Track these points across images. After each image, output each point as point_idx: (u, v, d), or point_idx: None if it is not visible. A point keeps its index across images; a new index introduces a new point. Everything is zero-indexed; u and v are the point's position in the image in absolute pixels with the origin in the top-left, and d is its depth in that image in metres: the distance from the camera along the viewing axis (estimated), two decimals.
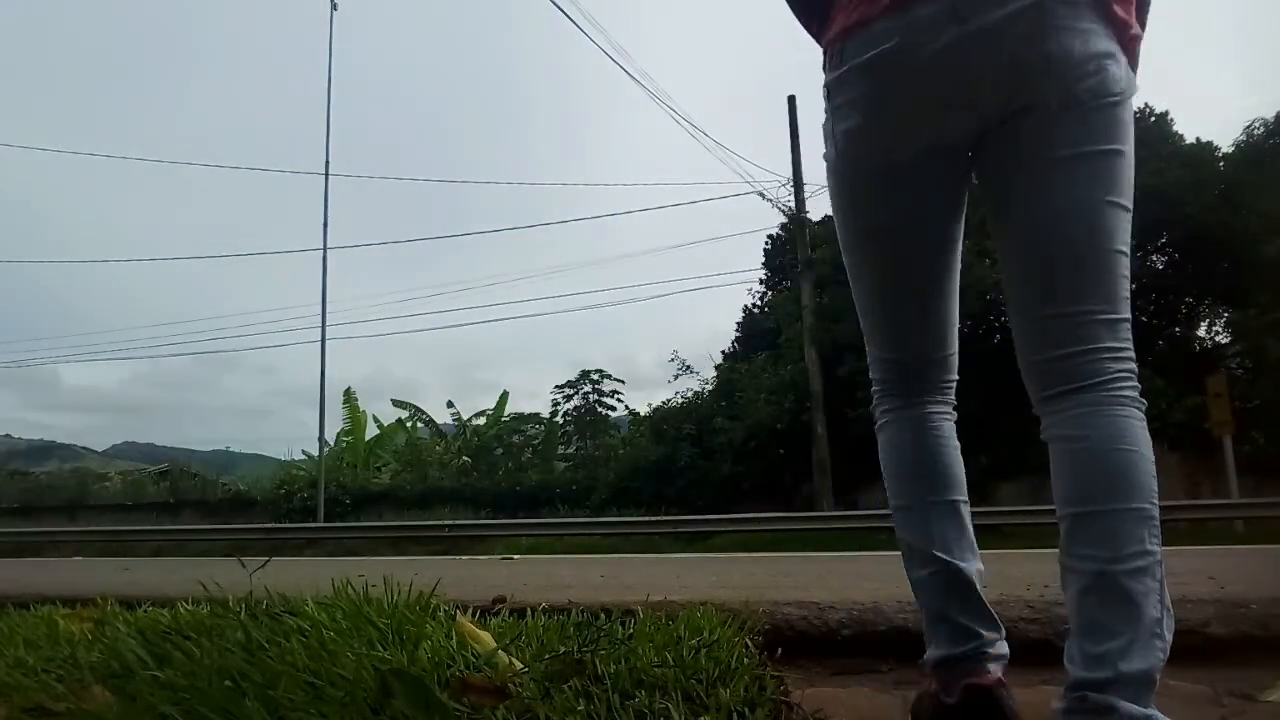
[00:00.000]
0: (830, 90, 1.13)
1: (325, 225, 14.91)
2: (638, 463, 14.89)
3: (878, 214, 1.14)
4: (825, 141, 1.17)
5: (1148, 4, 1.13)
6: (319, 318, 14.75)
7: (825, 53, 1.15)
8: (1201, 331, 14.79)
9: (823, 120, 1.18)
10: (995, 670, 1.14)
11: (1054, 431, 1.04)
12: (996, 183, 1.09)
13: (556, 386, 19.55)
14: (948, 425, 1.24)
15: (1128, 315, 1.05)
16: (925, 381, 1.23)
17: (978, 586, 1.17)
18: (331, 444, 18.67)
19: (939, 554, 1.15)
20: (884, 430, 1.25)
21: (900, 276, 1.18)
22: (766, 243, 18.16)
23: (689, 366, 17.60)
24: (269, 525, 12.76)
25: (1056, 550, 1.05)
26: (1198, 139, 15.03)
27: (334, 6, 15.60)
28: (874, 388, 1.27)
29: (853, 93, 1.08)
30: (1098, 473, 0.98)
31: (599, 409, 19.35)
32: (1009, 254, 1.09)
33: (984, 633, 1.16)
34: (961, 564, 1.16)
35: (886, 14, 1.03)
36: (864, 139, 1.09)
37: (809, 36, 1.24)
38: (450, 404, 20.27)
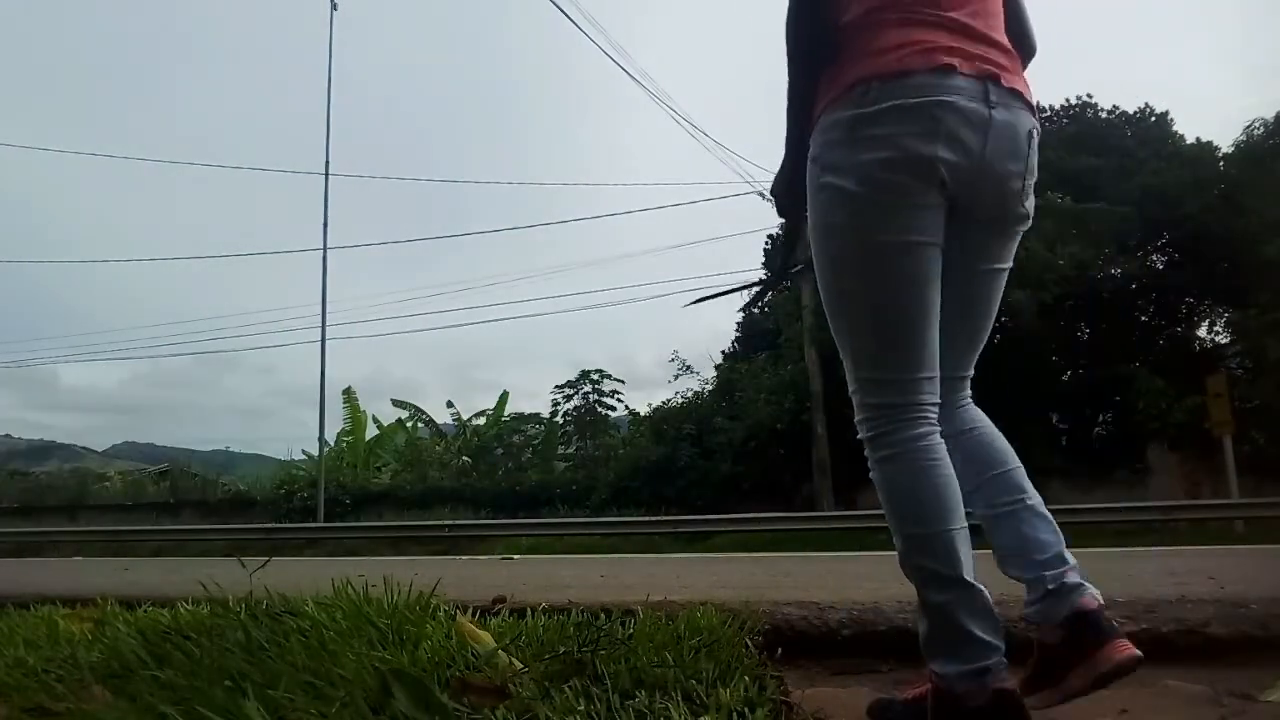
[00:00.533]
0: (854, 122, 1.21)
1: (325, 225, 14.93)
2: (638, 463, 14.88)
3: (908, 233, 1.21)
4: (831, 171, 1.23)
5: None
6: (319, 318, 14.77)
7: (847, 89, 1.23)
8: (1201, 331, 14.79)
9: (821, 155, 1.24)
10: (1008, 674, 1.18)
11: (948, 431, 1.29)
12: (960, 265, 1.30)
13: (556, 386, 19.55)
14: (944, 446, 1.27)
15: None
16: (932, 403, 1.26)
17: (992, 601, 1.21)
18: (331, 444, 18.67)
19: (966, 578, 1.19)
20: (900, 460, 1.24)
21: (925, 295, 1.24)
22: (766, 243, 18.16)
23: (689, 366, 17.60)
24: (269, 525, 12.76)
25: None
26: (1198, 139, 15.03)
27: (334, 6, 15.61)
28: (874, 415, 1.27)
29: (888, 129, 1.19)
30: (997, 446, 1.31)
31: (599, 409, 19.34)
32: (942, 317, 1.29)
33: (1001, 644, 1.19)
34: (981, 585, 1.20)
35: (930, 72, 1.19)
36: (896, 167, 1.19)
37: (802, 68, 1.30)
38: (450, 404, 20.28)
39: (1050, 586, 1.20)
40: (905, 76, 1.19)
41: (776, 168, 1.42)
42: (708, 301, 1.81)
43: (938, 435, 1.26)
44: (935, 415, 1.27)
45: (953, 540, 1.20)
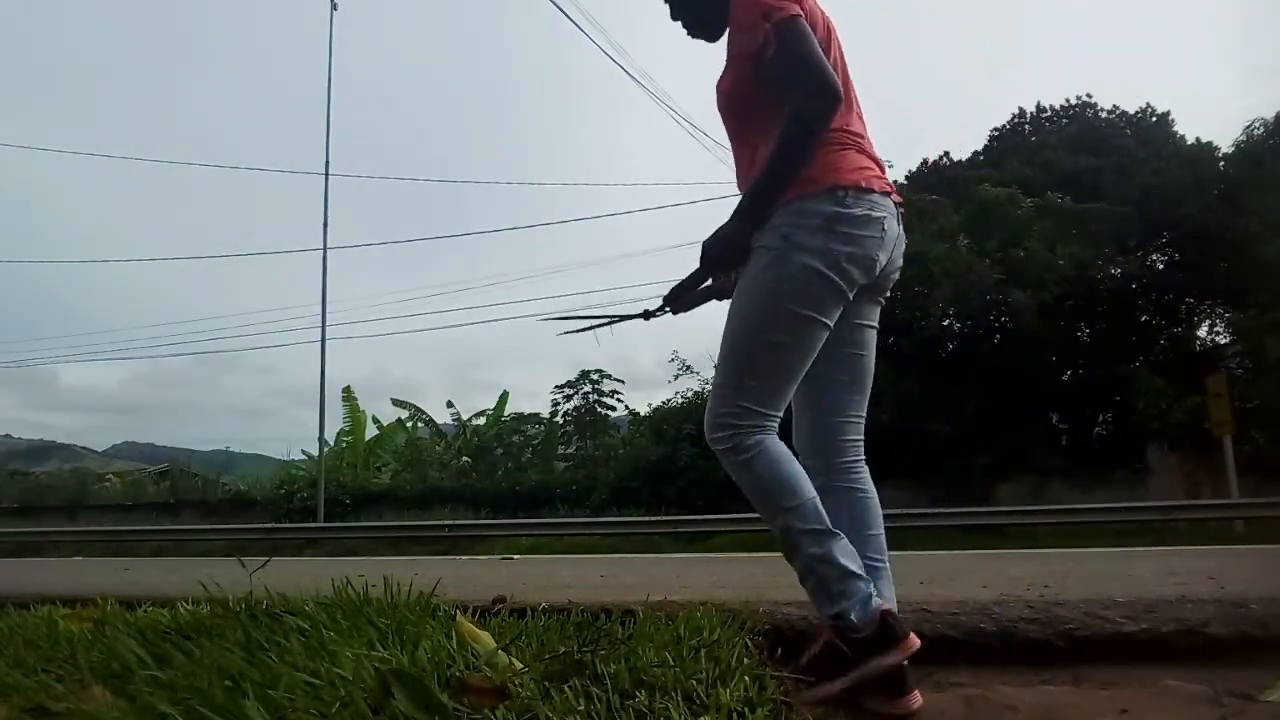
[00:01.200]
0: (833, 218, 1.52)
1: (325, 225, 14.92)
2: (638, 463, 14.85)
3: (832, 313, 1.56)
4: (803, 250, 1.51)
5: None
6: (319, 318, 14.76)
7: (833, 187, 1.53)
8: (1201, 331, 14.78)
9: (793, 234, 1.52)
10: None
11: (848, 483, 1.65)
12: (849, 325, 1.65)
13: (556, 386, 19.49)
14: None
15: None
16: (775, 427, 1.61)
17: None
18: (331, 444, 18.65)
19: (832, 529, 1.51)
20: (763, 452, 1.56)
21: (810, 363, 1.59)
22: None
23: (689, 366, 17.52)
24: (269, 525, 12.75)
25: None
26: (1198, 139, 15.04)
27: (334, 6, 15.60)
28: (737, 430, 1.56)
29: (858, 229, 1.53)
30: (877, 512, 1.66)
31: (599, 409, 19.30)
32: (839, 369, 1.67)
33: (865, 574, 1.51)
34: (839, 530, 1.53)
35: (882, 194, 1.59)
36: (855, 261, 1.54)
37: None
38: (450, 404, 20.20)
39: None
40: (870, 193, 1.56)
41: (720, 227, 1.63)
42: (580, 330, 1.98)
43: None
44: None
45: (816, 503, 1.52)
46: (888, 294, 1.72)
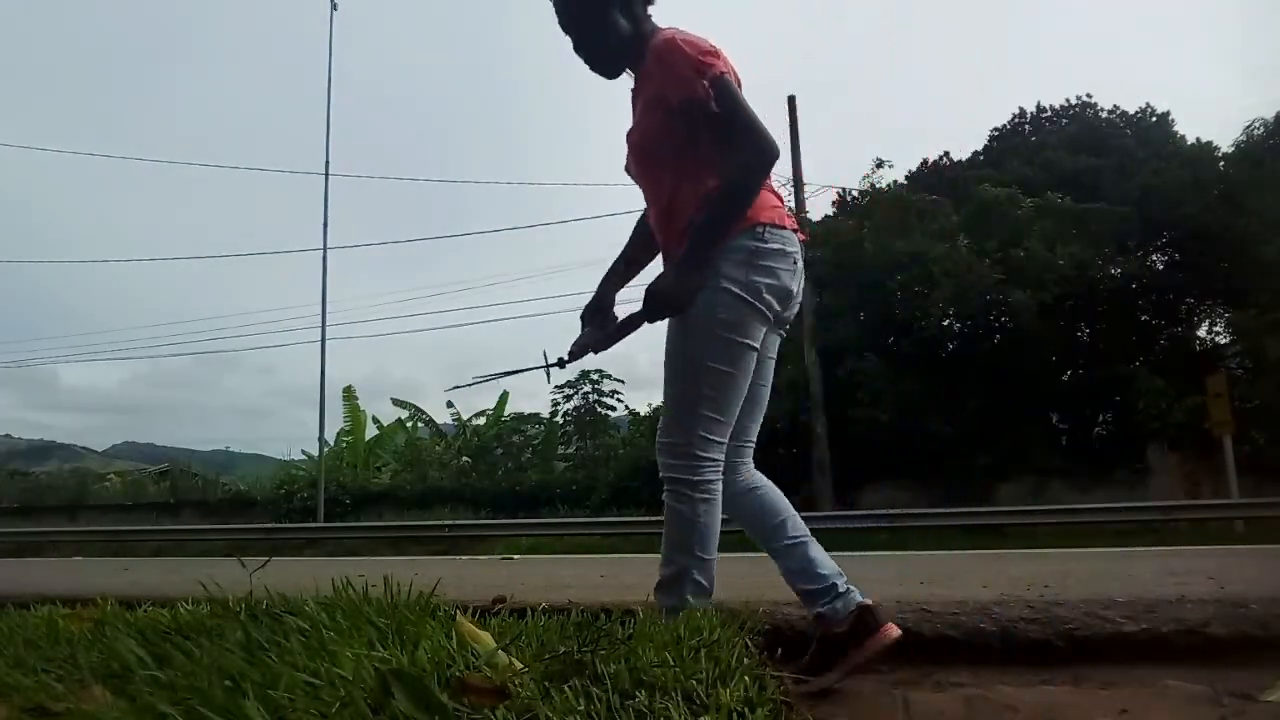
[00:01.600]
0: (755, 252, 1.64)
1: (325, 225, 14.92)
2: (638, 463, 14.84)
3: (759, 339, 1.68)
4: (730, 281, 1.62)
5: None
6: (319, 318, 14.77)
7: (753, 224, 1.64)
8: (1201, 331, 14.78)
9: (721, 267, 1.62)
10: None
11: (744, 488, 1.76)
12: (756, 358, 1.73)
13: (556, 386, 19.47)
14: None
15: None
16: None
17: None
18: (331, 444, 18.65)
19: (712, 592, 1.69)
20: (717, 503, 1.67)
21: (746, 385, 1.70)
22: None
23: None
24: (269, 525, 12.75)
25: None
26: (1198, 139, 15.04)
27: (334, 6, 15.60)
28: (706, 464, 1.66)
29: (775, 262, 1.66)
30: (779, 497, 1.75)
31: (599, 409, 19.30)
32: (748, 397, 1.73)
33: None
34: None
35: (792, 230, 1.72)
36: (773, 292, 1.66)
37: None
38: (450, 404, 20.17)
39: (840, 590, 1.63)
40: (783, 229, 1.68)
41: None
42: (481, 382, 2.10)
43: None
44: None
45: (715, 564, 1.69)
46: (788, 326, 1.83)
